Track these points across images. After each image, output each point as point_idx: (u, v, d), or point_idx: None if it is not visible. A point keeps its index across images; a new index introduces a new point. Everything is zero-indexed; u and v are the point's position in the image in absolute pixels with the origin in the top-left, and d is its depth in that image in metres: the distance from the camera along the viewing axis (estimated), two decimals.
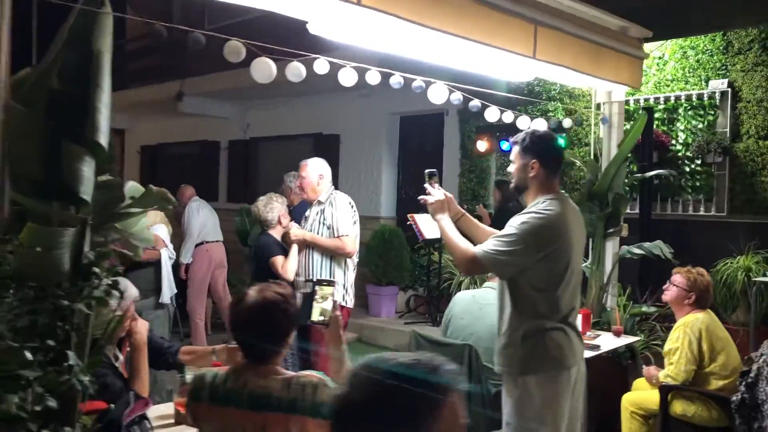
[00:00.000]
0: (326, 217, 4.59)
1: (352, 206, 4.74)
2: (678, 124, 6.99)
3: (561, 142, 7.45)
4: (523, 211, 2.90)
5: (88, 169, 2.19)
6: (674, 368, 3.75)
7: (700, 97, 6.83)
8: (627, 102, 6.92)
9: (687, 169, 6.90)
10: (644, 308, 5.10)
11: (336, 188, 11.49)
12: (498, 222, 6.85)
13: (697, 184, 6.82)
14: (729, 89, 6.64)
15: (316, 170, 4.71)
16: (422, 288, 8.37)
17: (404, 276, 8.20)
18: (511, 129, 8.18)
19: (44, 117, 2.18)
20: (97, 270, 2.04)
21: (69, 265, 2.05)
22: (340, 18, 3.23)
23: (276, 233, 4.84)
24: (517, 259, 2.78)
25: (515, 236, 2.79)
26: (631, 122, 5.50)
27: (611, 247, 5.15)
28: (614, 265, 5.14)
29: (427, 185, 3.06)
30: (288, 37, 8.93)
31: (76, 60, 2.24)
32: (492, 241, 2.86)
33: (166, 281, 5.23)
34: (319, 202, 4.67)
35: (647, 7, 4.85)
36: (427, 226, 7.80)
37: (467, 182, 8.81)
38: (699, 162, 6.79)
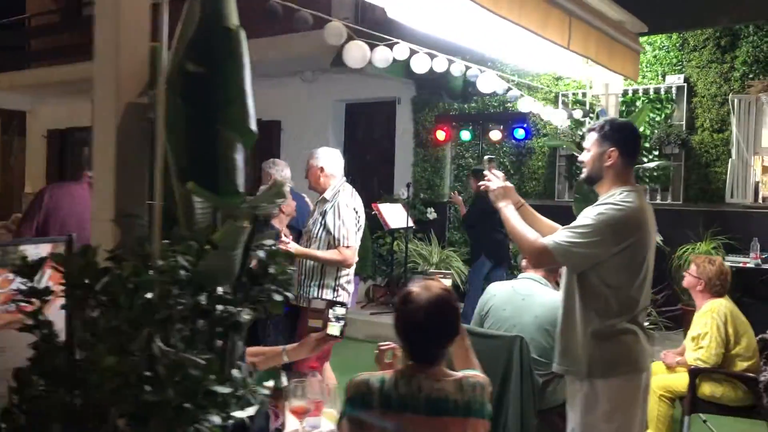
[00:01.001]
0: (327, 222, 4.32)
1: (357, 211, 4.42)
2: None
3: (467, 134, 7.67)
4: (599, 202, 2.82)
5: (240, 158, 1.98)
6: (705, 352, 3.92)
7: (657, 91, 7.16)
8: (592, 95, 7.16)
9: (645, 159, 7.22)
10: None
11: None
12: (473, 210, 6.98)
13: (654, 174, 7.15)
14: (685, 84, 7.00)
15: (317, 162, 4.40)
16: (380, 277, 8.31)
17: (366, 266, 8.10)
18: (470, 118, 8.29)
19: (191, 104, 1.95)
20: (272, 271, 1.84)
21: (239, 266, 1.84)
22: (418, 4, 3.09)
23: (278, 222, 4.61)
24: (592, 252, 2.65)
25: (591, 227, 2.65)
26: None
27: None
28: None
29: (486, 171, 2.96)
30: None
31: (211, 39, 2.01)
32: (564, 232, 2.74)
33: None
34: (324, 200, 4.37)
35: (642, 1, 4.99)
36: (391, 215, 7.74)
37: (422, 171, 8.81)
38: (656, 153, 7.11)
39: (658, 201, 7.14)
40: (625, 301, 2.72)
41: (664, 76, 7.13)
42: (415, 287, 2.07)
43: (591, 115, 5.93)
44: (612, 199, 2.72)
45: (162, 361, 1.62)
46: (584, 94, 7.34)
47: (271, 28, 8.72)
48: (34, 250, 2.28)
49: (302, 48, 8.73)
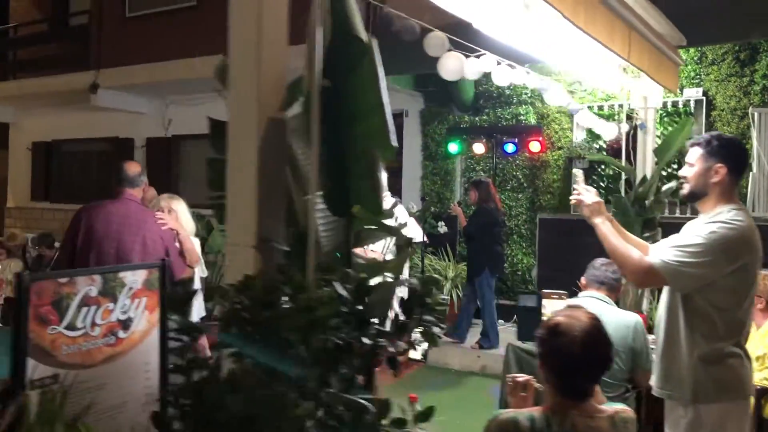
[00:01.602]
0: None
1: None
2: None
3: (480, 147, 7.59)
4: (709, 220, 2.73)
5: (383, 175, 1.82)
6: None
7: (675, 104, 7.13)
8: (611, 107, 7.11)
9: (664, 173, 7.18)
10: None
11: None
12: (474, 222, 6.85)
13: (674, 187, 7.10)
14: (704, 98, 6.98)
15: None
16: None
17: None
18: (482, 131, 8.19)
19: (327, 119, 1.78)
20: (429, 300, 1.68)
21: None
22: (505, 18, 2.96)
23: None
24: (703, 272, 2.55)
25: (703, 247, 2.55)
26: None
27: None
28: None
29: (578, 185, 2.83)
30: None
31: (344, 51, 1.86)
32: (673, 251, 2.63)
33: (196, 302, 4.66)
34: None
35: (681, 14, 4.93)
36: (408, 228, 7.60)
37: (431, 184, 8.68)
38: (675, 167, 7.07)
39: (677, 215, 7.09)
40: (732, 323, 2.61)
41: (681, 90, 7.11)
42: (562, 317, 1.92)
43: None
44: (722, 217, 2.61)
45: (335, 405, 1.46)
46: (600, 107, 7.30)
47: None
48: (132, 277, 2.09)
49: (302, 60, 8.57)
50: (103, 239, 4.13)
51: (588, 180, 7.60)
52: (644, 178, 5.10)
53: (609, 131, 4.68)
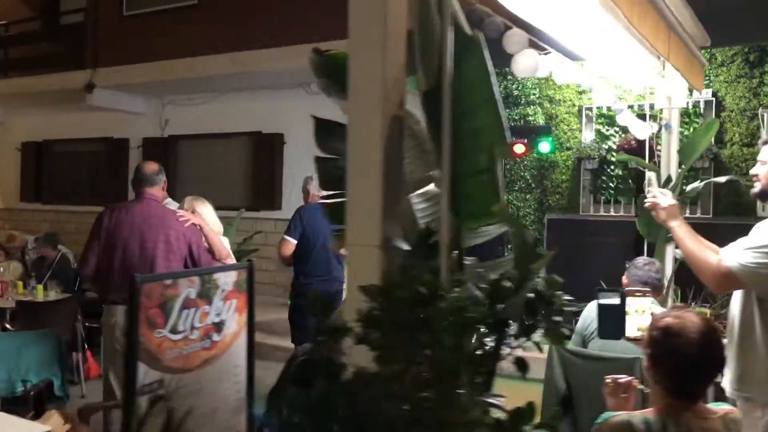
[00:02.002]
0: None
1: None
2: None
3: (547, 146, 7.55)
4: None
5: (501, 170, 1.79)
6: None
7: (684, 105, 7.17)
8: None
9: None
10: (699, 308, 5.24)
11: (281, 190, 11.07)
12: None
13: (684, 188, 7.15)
14: (713, 99, 7.04)
15: None
16: None
17: None
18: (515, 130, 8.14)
19: (435, 116, 1.75)
20: (554, 301, 1.65)
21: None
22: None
23: None
24: None
25: None
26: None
27: (671, 251, 5.24)
28: (674, 269, 5.23)
29: (652, 188, 2.82)
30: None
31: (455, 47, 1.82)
32: (748, 253, 2.61)
33: None
34: None
35: (706, 13, 4.96)
36: None
37: None
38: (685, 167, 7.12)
39: (688, 215, 7.14)
40: None
41: (691, 91, 7.15)
42: (672, 318, 1.90)
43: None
44: None
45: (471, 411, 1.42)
46: (609, 108, 7.32)
47: (287, 39, 8.51)
48: (224, 279, 2.04)
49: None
50: (128, 239, 4.10)
51: (597, 180, 7.68)
52: (668, 178, 5.12)
53: (644, 131, 4.69)
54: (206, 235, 4.43)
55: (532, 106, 7.96)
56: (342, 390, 1.43)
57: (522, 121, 8.04)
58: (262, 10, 8.80)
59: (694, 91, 7.08)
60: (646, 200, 2.80)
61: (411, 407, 1.32)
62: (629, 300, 2.19)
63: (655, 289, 3.78)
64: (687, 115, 7.14)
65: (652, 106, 5.55)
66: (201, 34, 9.33)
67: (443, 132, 1.62)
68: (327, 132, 1.83)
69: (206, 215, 4.67)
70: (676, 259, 5.30)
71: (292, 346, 7.42)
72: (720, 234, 6.87)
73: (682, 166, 5.10)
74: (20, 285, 6.86)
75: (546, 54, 3.30)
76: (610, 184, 7.58)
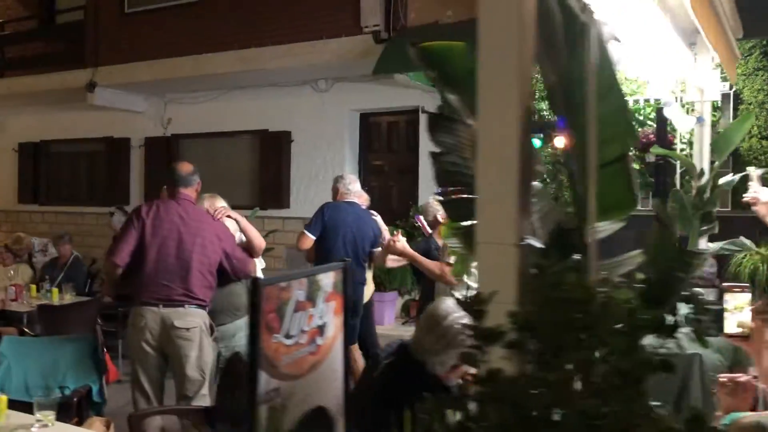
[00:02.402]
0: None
1: None
2: None
3: (537, 141, 7.52)
4: None
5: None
6: None
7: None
8: (637, 101, 7.12)
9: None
10: None
11: (289, 189, 10.93)
12: None
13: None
14: (731, 92, 7.02)
15: None
16: (415, 291, 8.05)
17: (407, 279, 7.83)
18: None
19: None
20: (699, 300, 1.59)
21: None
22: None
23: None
24: None
25: None
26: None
27: (703, 245, 5.21)
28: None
29: (754, 183, 2.81)
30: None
31: (575, 38, 1.75)
32: None
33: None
34: None
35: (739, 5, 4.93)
36: None
37: None
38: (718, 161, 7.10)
39: (729, 209, 7.13)
40: None
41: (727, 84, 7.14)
42: None
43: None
44: None
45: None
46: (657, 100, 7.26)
47: (295, 35, 8.40)
48: (326, 280, 1.96)
49: (322, 57, 8.43)
50: (166, 239, 4.00)
51: None
52: (701, 172, 5.10)
53: (687, 125, 4.65)
54: (244, 229, 4.35)
55: (546, 101, 7.90)
56: (501, 397, 1.36)
57: (536, 116, 7.99)
58: (269, 6, 8.68)
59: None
60: (746, 195, 2.79)
61: (588, 415, 1.25)
62: (727, 296, 2.15)
63: (711, 283, 3.77)
64: None
65: (681, 99, 5.52)
66: (206, 31, 9.20)
67: (579, 122, 1.55)
68: (440, 126, 1.76)
69: None
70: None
71: None
72: (740, 226, 6.90)
73: (715, 159, 5.08)
74: (33, 288, 6.73)
75: None
76: None
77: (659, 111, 5.07)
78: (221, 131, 10.29)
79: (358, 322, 5.06)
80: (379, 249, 5.06)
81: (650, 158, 7.10)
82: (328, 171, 9.55)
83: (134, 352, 3.98)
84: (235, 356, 3.53)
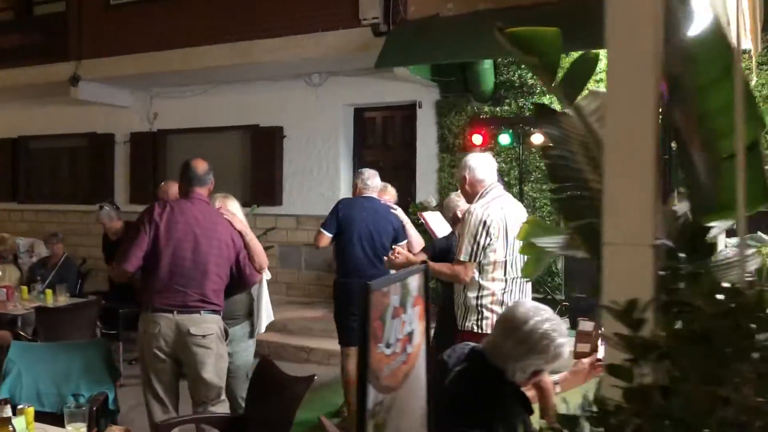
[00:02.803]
0: (456, 235, 4.09)
1: (486, 224, 3.67)
2: None
3: (507, 138, 7.50)
4: None
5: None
6: None
7: None
8: None
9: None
10: None
11: (282, 185, 10.72)
12: None
13: None
14: None
15: (461, 171, 3.97)
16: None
17: None
18: (506, 122, 8.02)
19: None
20: None
21: None
22: None
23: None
24: None
25: None
26: None
27: (722, 240, 5.16)
28: None
29: None
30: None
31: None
32: None
33: (264, 305, 4.32)
34: (468, 212, 3.94)
35: None
36: (436, 224, 7.36)
37: (449, 178, 8.48)
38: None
39: None
40: None
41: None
42: None
43: None
44: None
45: None
46: None
47: (291, 28, 8.20)
48: (413, 283, 1.82)
49: (318, 50, 8.24)
50: (181, 241, 3.79)
51: None
52: None
53: None
54: (247, 243, 4.04)
55: (547, 95, 7.83)
56: (662, 414, 1.23)
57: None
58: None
59: None
60: None
61: None
62: None
63: None
64: None
65: None
66: (196, 24, 8.95)
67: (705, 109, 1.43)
68: (545, 118, 1.62)
69: (237, 214, 4.34)
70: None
71: (313, 346, 7.22)
72: (757, 220, 6.93)
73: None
74: (24, 290, 6.46)
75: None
76: None
77: None
78: (210, 126, 10.05)
79: None
80: (404, 242, 4.90)
81: None
82: (322, 167, 9.38)
83: (147, 358, 3.78)
84: (264, 361, 3.36)
